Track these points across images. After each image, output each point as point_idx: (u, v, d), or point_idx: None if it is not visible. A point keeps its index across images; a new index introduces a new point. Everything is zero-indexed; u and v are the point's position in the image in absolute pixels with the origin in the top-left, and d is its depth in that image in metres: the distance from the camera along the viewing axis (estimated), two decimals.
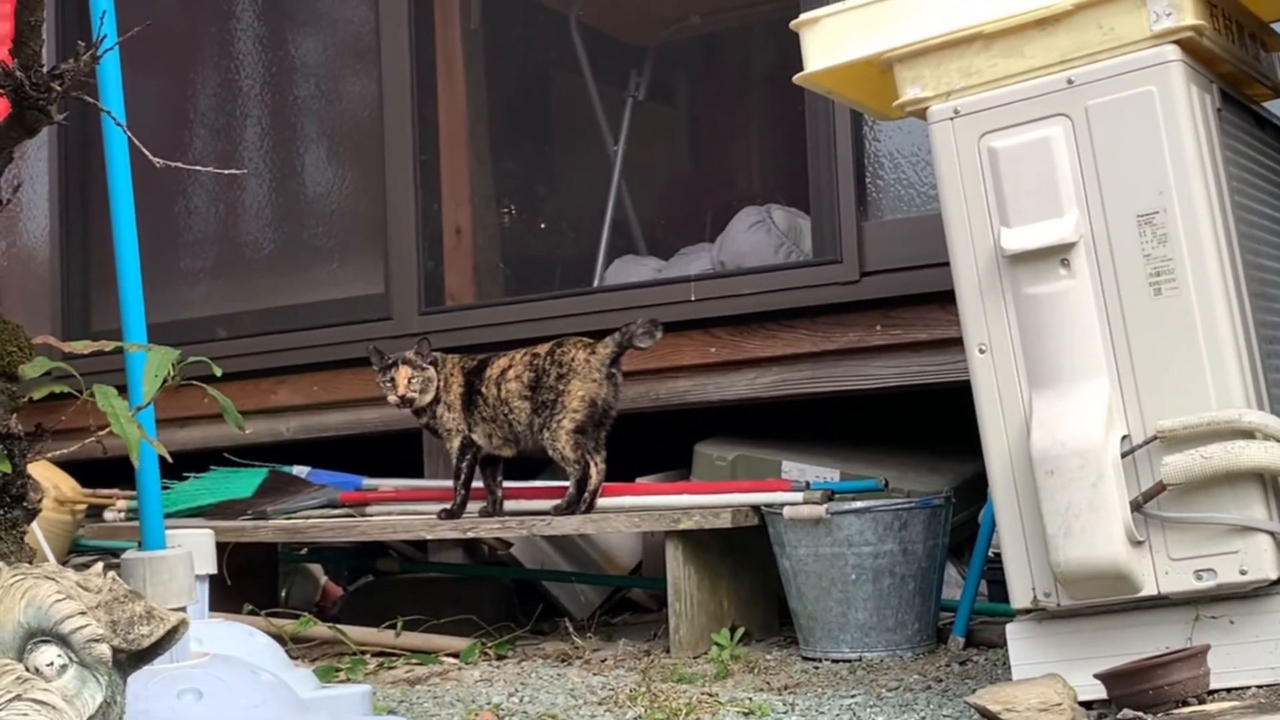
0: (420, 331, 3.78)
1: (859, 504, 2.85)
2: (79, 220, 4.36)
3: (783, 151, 4.50)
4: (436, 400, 3.20)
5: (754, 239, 3.70)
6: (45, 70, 1.49)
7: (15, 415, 1.59)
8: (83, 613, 1.28)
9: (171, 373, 1.62)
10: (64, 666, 1.28)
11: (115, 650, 1.30)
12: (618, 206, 4.21)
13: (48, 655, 1.28)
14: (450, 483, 3.28)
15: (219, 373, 1.69)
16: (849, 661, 2.78)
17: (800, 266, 3.41)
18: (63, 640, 1.28)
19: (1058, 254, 2.19)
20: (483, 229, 4.14)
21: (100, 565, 1.36)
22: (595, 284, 4.03)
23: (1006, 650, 2.32)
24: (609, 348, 3.06)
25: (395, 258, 3.86)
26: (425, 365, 3.18)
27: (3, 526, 1.55)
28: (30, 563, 1.58)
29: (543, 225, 4.72)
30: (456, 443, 3.21)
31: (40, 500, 1.58)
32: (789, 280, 3.34)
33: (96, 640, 1.28)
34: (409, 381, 3.16)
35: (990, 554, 2.87)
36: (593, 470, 3.07)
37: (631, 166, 4.30)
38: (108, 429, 1.63)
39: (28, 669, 1.27)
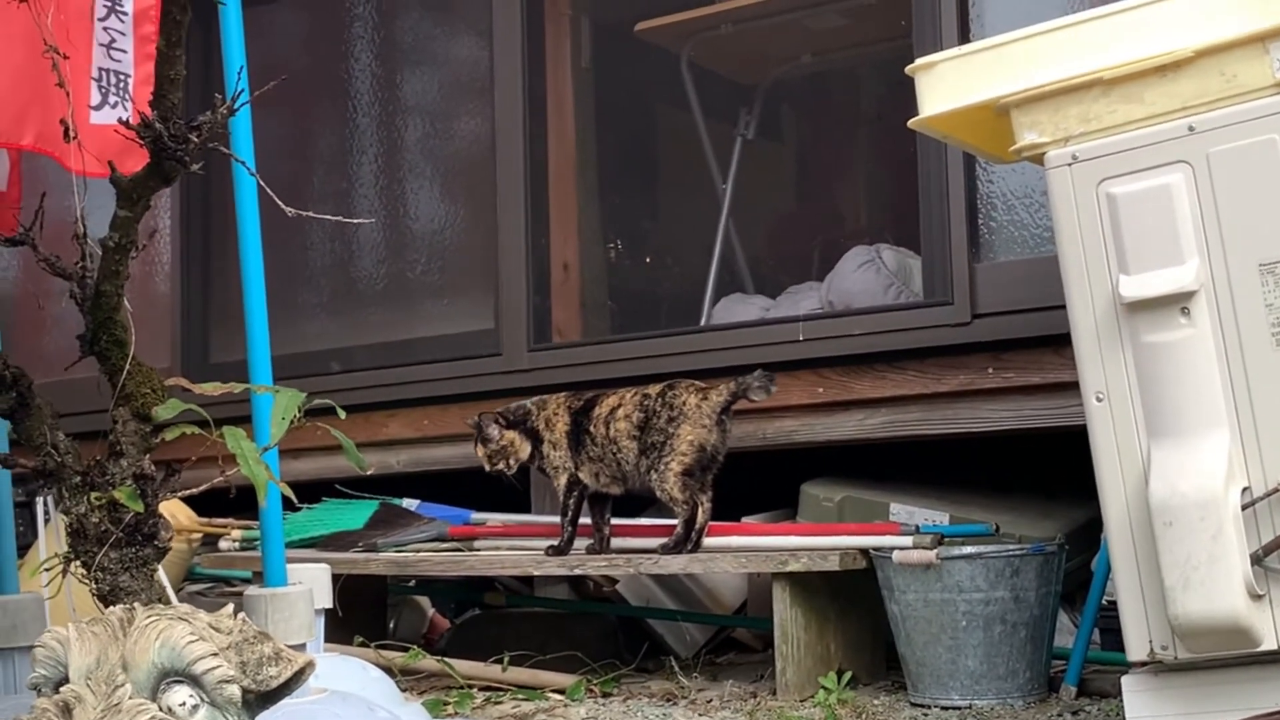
0: (529, 368, 3.83)
1: (970, 549, 2.82)
2: (199, 256, 4.47)
3: (892, 190, 4.48)
4: (540, 440, 3.24)
5: (863, 279, 3.69)
6: (183, 122, 1.54)
7: (148, 455, 1.64)
8: (215, 654, 1.31)
9: (298, 414, 1.66)
10: (195, 707, 1.31)
11: (245, 691, 1.33)
12: (725, 244, 4.22)
13: (180, 695, 1.31)
14: (557, 519, 3.31)
15: (343, 415, 1.72)
16: (959, 709, 2.76)
17: (911, 308, 3.40)
18: (195, 681, 1.31)
19: (1178, 302, 2.17)
20: (590, 265, 4.18)
21: (230, 606, 1.39)
22: (702, 322, 4.04)
23: (1119, 700, 2.29)
24: (722, 395, 3.06)
25: (505, 294, 3.90)
26: (500, 433, 3.23)
27: (134, 565, 1.60)
28: (161, 600, 1.63)
29: (649, 262, 4.74)
30: (563, 480, 3.23)
31: (170, 539, 1.63)
32: (899, 321, 3.33)
33: (228, 681, 1.31)
34: (489, 460, 3.24)
35: (1104, 602, 2.84)
36: (700, 510, 3.08)
37: (739, 204, 4.31)
38: (236, 468, 1.67)
39: (161, 709, 1.30)
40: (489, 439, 3.24)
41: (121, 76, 2.72)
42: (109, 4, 2.72)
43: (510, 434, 3.24)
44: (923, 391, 3.29)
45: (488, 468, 3.26)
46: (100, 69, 2.69)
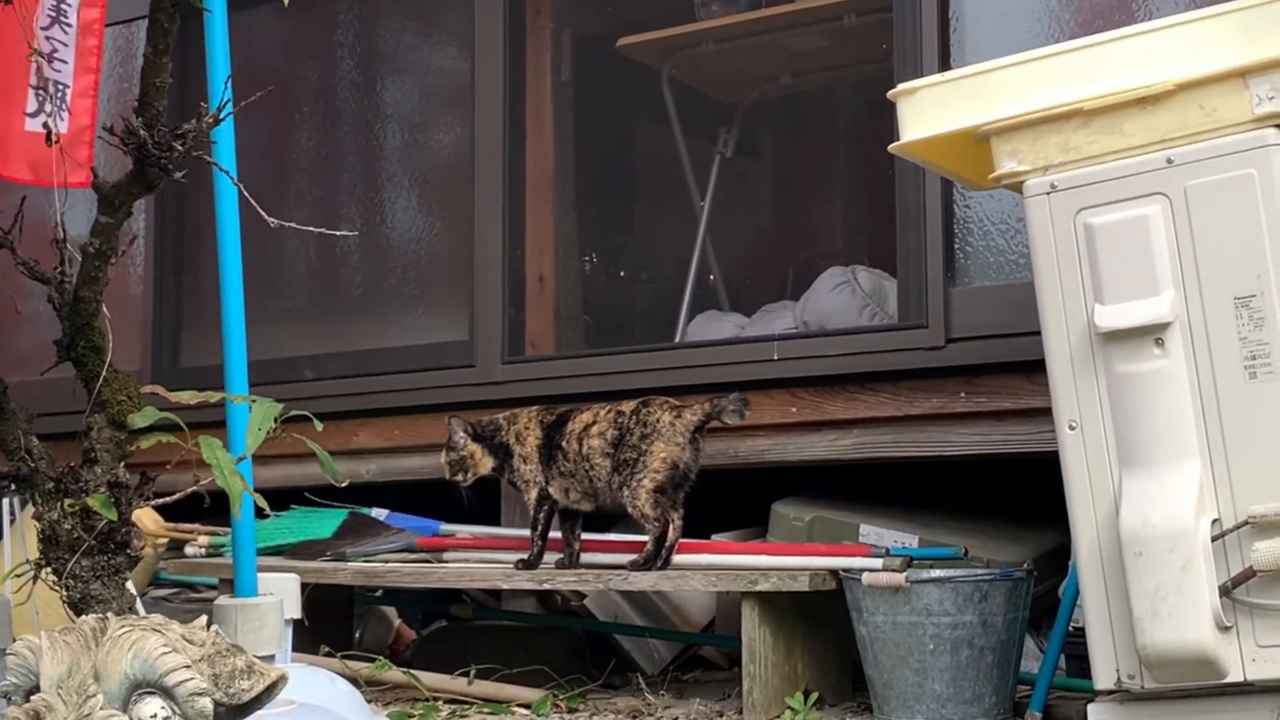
0: (502, 380, 3.83)
1: (939, 573, 2.83)
2: (172, 258, 4.44)
3: (869, 212, 4.50)
4: (510, 454, 3.24)
5: (839, 300, 3.70)
6: (168, 130, 1.53)
7: (123, 463, 1.63)
8: (187, 666, 1.30)
9: (275, 425, 1.66)
10: (167, 719, 1.31)
11: (217, 704, 1.33)
12: (702, 261, 4.23)
13: (151, 707, 1.31)
14: (527, 532, 3.30)
15: (320, 427, 1.72)
16: None
17: (885, 330, 3.41)
18: (167, 693, 1.31)
19: (1152, 333, 2.19)
20: (565, 278, 4.17)
21: (204, 618, 1.39)
22: (677, 339, 4.04)
23: None
24: (696, 415, 3.07)
25: (481, 305, 3.90)
26: (465, 442, 3.25)
27: (106, 573, 1.59)
28: (131, 609, 1.62)
29: (625, 276, 4.74)
30: (533, 494, 3.23)
31: (142, 548, 1.62)
32: (873, 343, 3.34)
33: (199, 694, 1.31)
34: (449, 467, 3.26)
35: (1070, 628, 2.85)
36: (671, 528, 3.08)
37: (717, 222, 4.32)
38: (210, 478, 1.67)
39: (132, 719, 1.30)
40: (454, 446, 3.25)
41: (60, 86, 2.74)
42: (54, 13, 2.74)
43: (473, 446, 3.25)
44: (895, 414, 3.30)
45: (447, 475, 3.27)
46: (40, 78, 2.71)
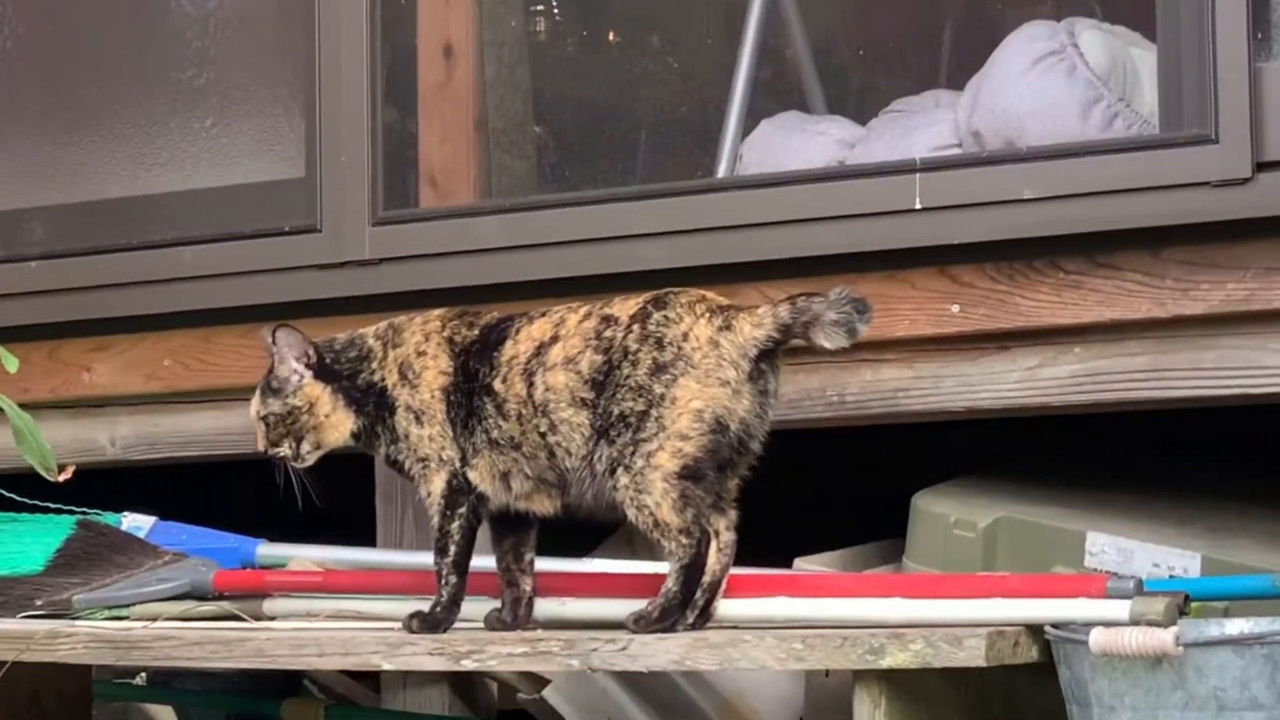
0: (374, 257, 3.84)
1: (1240, 626, 2.84)
2: None
3: None
4: (389, 405, 3.26)
5: (1042, 87, 3.72)
6: None
7: None
8: None
9: None
10: None
11: None
12: (770, 15, 4.23)
13: None
14: (426, 559, 3.34)
15: (13, 365, 1.74)
16: None
17: (1135, 149, 3.43)
18: None
19: None
20: (499, 48, 4.19)
21: None
22: (720, 170, 4.06)
23: None
24: (764, 327, 3.04)
25: (329, 108, 3.93)
26: (298, 379, 3.30)
27: None
28: None
29: (616, 42, 4.76)
30: (438, 485, 3.24)
31: None
32: (1112, 174, 3.35)
33: None
34: (266, 431, 3.30)
35: None
36: (713, 547, 3.08)
37: None
38: None
39: None
40: (278, 387, 3.29)
41: None
42: None
43: (315, 389, 3.27)
44: (1154, 314, 3.32)
45: (261, 446, 3.31)
46: None
